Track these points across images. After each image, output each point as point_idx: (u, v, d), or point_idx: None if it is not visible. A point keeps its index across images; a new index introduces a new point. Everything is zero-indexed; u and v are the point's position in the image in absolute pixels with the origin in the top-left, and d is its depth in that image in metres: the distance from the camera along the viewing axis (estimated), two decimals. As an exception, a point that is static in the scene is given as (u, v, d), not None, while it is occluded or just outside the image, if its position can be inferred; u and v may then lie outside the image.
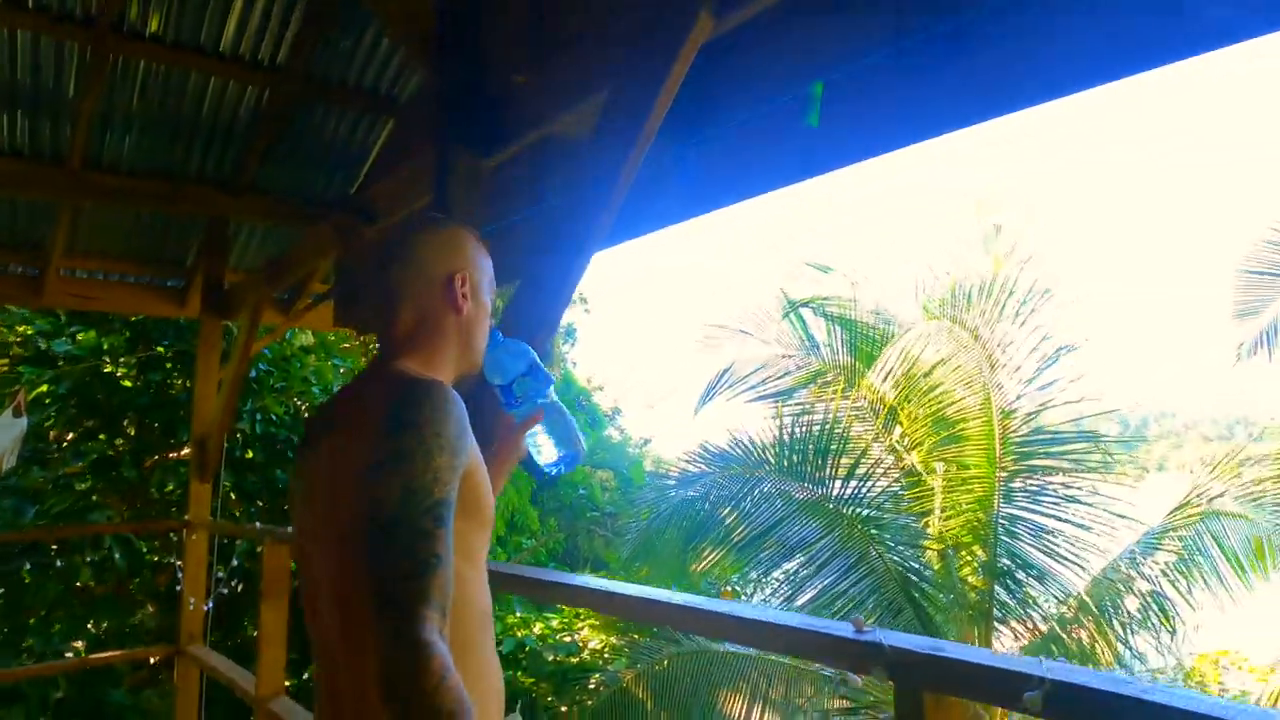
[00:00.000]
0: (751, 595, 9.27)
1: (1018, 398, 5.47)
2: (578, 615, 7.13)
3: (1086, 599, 5.26)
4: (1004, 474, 5.41)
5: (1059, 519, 5.24)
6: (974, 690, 1.03)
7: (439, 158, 2.06)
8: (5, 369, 5.34)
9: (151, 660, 4.96)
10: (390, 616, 0.77)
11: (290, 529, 3.03)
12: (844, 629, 1.10)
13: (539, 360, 1.22)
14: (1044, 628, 5.30)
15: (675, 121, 1.68)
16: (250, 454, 5.38)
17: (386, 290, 1.05)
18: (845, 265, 6.67)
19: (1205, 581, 5.18)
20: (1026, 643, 5.33)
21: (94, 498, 5.17)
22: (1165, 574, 5.24)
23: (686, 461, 6.49)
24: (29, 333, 5.35)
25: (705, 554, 5.84)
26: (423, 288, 1.04)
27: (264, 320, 3.93)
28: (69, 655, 4.70)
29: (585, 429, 12.66)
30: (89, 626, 5.01)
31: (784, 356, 6.55)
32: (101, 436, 5.28)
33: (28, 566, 4.77)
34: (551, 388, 1.23)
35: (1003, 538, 5.31)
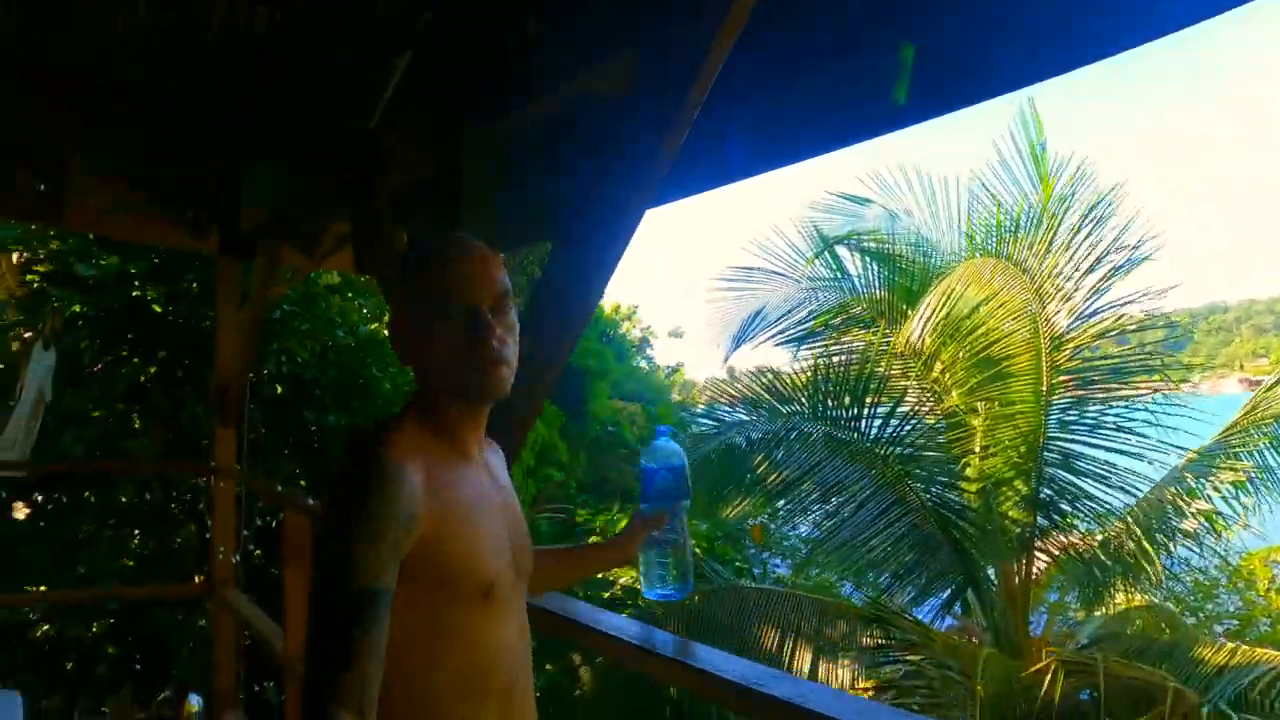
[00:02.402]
0: (779, 526, 9.33)
1: (1068, 329, 5.24)
2: (608, 549, 7.15)
3: (1133, 524, 5.16)
4: (1051, 406, 5.23)
5: (1108, 448, 5.09)
6: None
7: (440, 120, 1.89)
8: (36, 285, 5.24)
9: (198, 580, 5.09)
10: (307, 706, 0.78)
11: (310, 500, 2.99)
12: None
13: (687, 479, 1.27)
14: (1087, 554, 5.25)
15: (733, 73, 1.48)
16: (280, 389, 5.36)
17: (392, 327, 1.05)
18: (880, 192, 6.25)
19: (1261, 485, 5.06)
20: (1065, 568, 5.30)
21: (134, 417, 5.20)
22: (1218, 489, 5.13)
23: (723, 401, 6.39)
24: (58, 248, 5.21)
25: (738, 501, 5.80)
26: (405, 325, 1.02)
27: (286, 261, 3.79)
28: (115, 581, 4.80)
29: (612, 362, 12.61)
30: (133, 544, 5.09)
31: (817, 295, 6.35)
32: (135, 360, 5.25)
33: (70, 485, 4.86)
34: (685, 514, 1.27)
35: (1046, 469, 5.20)
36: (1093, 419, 5.15)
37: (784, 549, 9.26)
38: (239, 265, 3.94)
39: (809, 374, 6.00)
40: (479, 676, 0.94)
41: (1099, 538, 5.26)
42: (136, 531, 5.11)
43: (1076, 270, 5.13)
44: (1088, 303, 5.11)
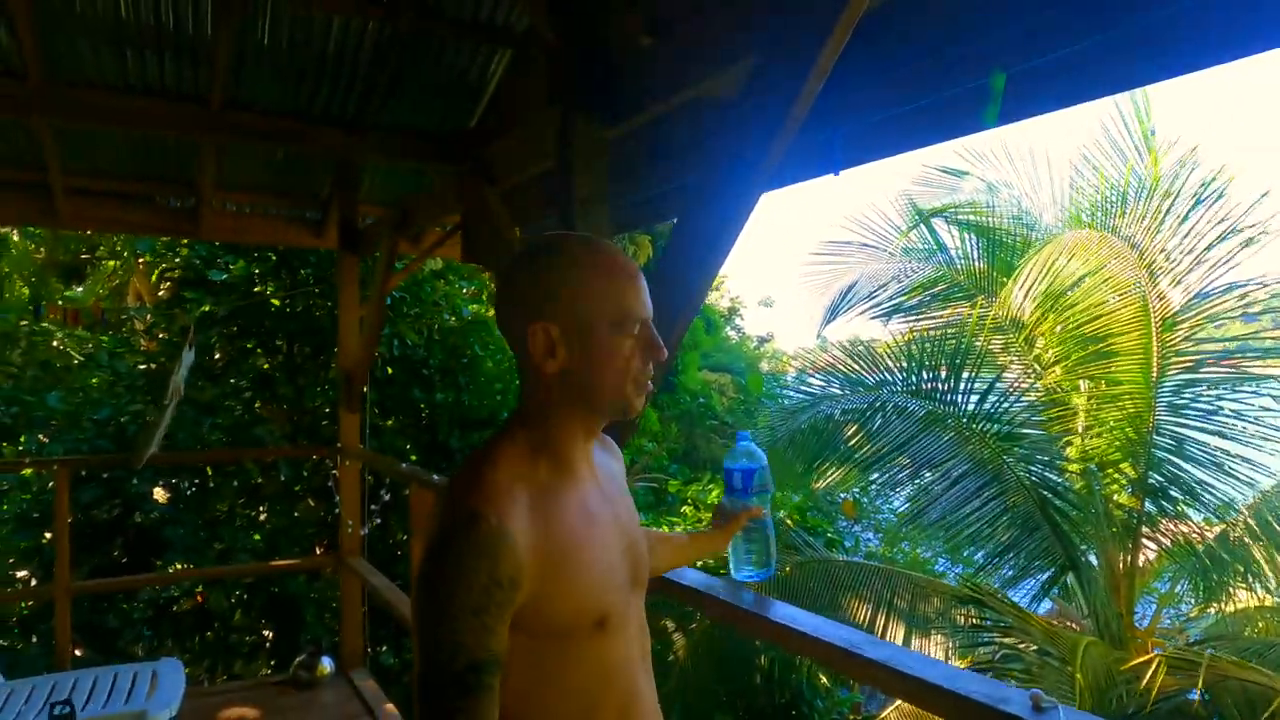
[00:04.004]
0: (872, 500, 9.26)
1: (1183, 308, 4.95)
2: (699, 520, 7.32)
3: (1254, 519, 4.90)
4: (1162, 388, 5.00)
5: (1226, 436, 4.82)
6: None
7: (560, 125, 1.97)
8: (170, 291, 5.81)
9: (318, 550, 5.54)
10: None
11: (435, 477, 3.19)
12: (1021, 701, 0.97)
13: (769, 476, 1.38)
14: (1200, 547, 5.02)
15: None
16: (390, 370, 5.70)
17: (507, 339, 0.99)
18: (977, 165, 6.01)
19: None
20: (1177, 559, 5.08)
21: (256, 405, 5.67)
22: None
23: (815, 373, 6.40)
24: (186, 254, 5.75)
25: (829, 472, 5.81)
26: (513, 343, 0.96)
27: (399, 253, 4.02)
28: (247, 554, 5.26)
29: (702, 333, 12.67)
30: (261, 520, 5.58)
31: (912, 268, 6.22)
32: (259, 351, 5.71)
33: (210, 471, 5.39)
34: (769, 503, 1.37)
35: (1157, 453, 4.97)
36: (1208, 403, 4.87)
37: (875, 522, 9.24)
38: (356, 261, 4.17)
39: (904, 347, 5.92)
40: (594, 699, 0.94)
41: (1216, 530, 5.01)
42: (263, 508, 5.59)
43: (1193, 248, 4.81)
44: (1206, 280, 4.79)
